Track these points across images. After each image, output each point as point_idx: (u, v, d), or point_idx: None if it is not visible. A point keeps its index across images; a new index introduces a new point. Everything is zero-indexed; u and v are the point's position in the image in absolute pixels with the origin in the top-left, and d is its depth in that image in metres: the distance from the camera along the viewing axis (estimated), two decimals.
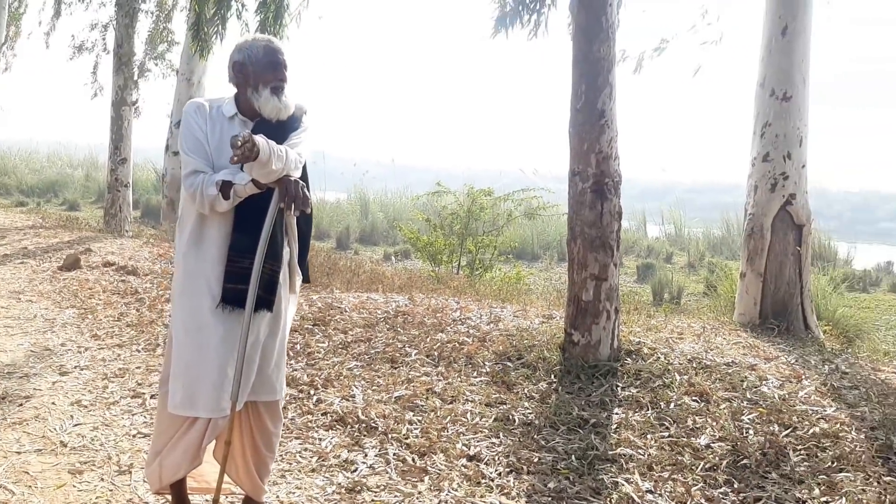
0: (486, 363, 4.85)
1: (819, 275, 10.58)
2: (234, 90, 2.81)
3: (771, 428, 3.86)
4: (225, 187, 2.61)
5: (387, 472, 3.52)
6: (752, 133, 6.64)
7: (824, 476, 3.42)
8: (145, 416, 4.05)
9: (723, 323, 6.38)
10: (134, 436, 3.80)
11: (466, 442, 3.83)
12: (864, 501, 3.22)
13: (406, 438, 3.85)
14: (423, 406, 4.24)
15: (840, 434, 3.79)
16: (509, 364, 4.83)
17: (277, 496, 3.22)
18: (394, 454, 3.69)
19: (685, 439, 3.80)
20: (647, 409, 4.15)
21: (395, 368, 4.83)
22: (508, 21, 6.52)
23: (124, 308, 6.34)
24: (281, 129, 2.77)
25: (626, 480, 3.43)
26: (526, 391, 4.45)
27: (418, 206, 13.85)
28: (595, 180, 4.83)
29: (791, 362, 4.96)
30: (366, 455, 3.69)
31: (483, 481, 3.45)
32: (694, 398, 4.26)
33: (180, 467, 2.73)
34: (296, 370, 4.74)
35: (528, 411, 4.18)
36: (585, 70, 4.78)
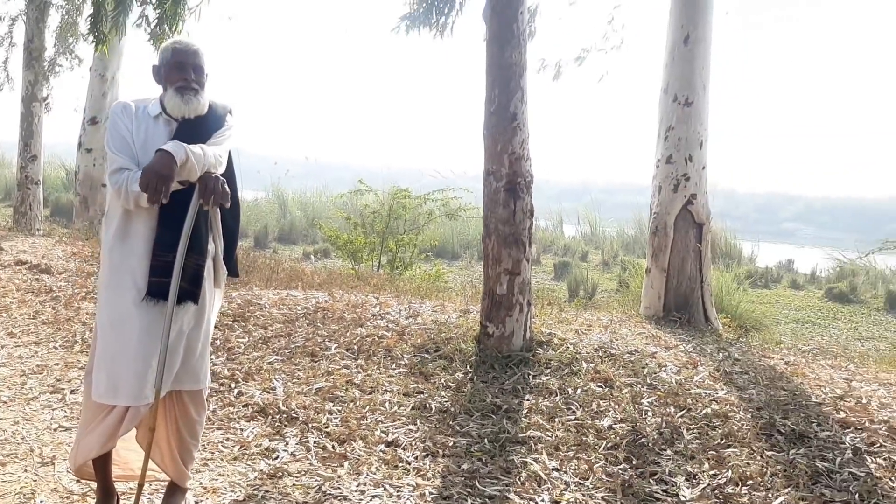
0: (405, 355, 5.02)
1: (724, 272, 11.18)
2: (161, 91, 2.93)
3: (667, 410, 4.17)
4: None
5: (307, 459, 3.66)
6: (656, 136, 7.01)
7: (713, 452, 3.73)
8: (66, 411, 4.07)
9: (630, 316, 6.73)
10: (55, 429, 3.82)
11: (385, 429, 3.99)
12: (748, 473, 3.53)
13: (326, 427, 3.99)
14: (342, 397, 4.38)
15: (729, 414, 4.12)
16: (427, 356, 5.02)
17: (200, 483, 3.32)
18: (314, 442, 3.83)
19: (590, 422, 4.06)
20: (556, 395, 4.41)
21: (315, 362, 4.95)
22: (416, 22, 6.74)
23: (39, 306, 6.25)
24: (203, 128, 2.89)
25: (535, 460, 3.66)
26: (443, 381, 4.64)
27: (339, 204, 13.90)
28: (508, 180, 5.06)
29: (689, 350, 5.32)
30: (287, 443, 3.82)
31: (400, 465, 3.62)
32: (599, 384, 4.53)
33: (92, 449, 2.81)
34: (216, 365, 4.81)
35: (445, 399, 4.37)
36: (498, 75, 5.01)
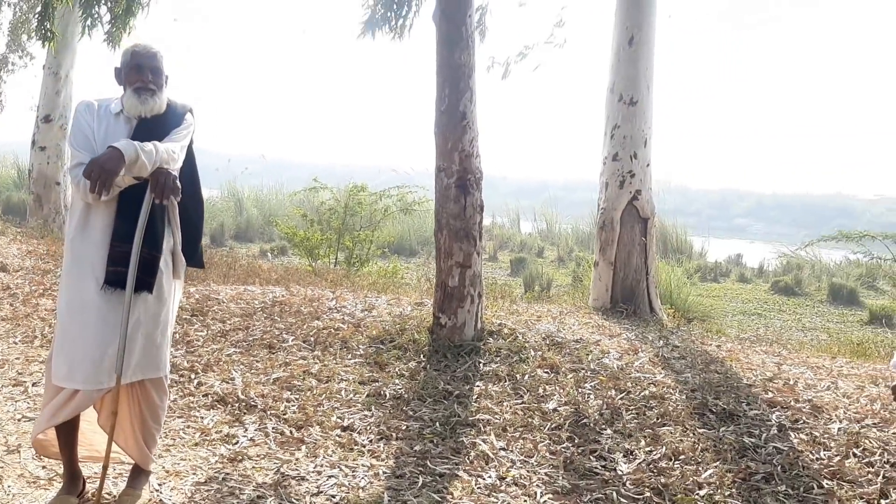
0: (361, 346, 5.20)
1: (675, 266, 11.54)
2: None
3: (609, 393, 4.42)
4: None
5: (266, 444, 3.83)
6: (603, 134, 7.29)
7: (650, 430, 3.99)
8: (28, 403, 4.17)
9: (579, 307, 7.00)
10: (19, 420, 3.93)
11: (341, 415, 4.17)
12: (681, 449, 3.79)
13: (284, 414, 4.16)
14: (299, 386, 4.55)
15: (665, 396, 4.39)
16: (382, 346, 5.20)
17: (163, 467, 3.47)
18: (273, 428, 3.99)
19: (536, 405, 4.29)
20: (505, 381, 4.63)
21: (273, 353, 5.11)
22: (376, 24, 6.91)
23: None
24: (162, 127, 3.06)
25: (483, 441, 3.88)
26: (397, 370, 4.84)
27: (295, 202, 13.97)
28: (459, 176, 5.27)
29: (631, 338, 5.59)
30: (246, 430, 3.98)
31: (356, 447, 3.81)
32: (545, 370, 4.77)
33: (41, 425, 3.00)
34: (175, 357, 4.93)
35: (399, 387, 4.57)
36: (448, 75, 5.21)
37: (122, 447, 3.14)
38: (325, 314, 5.90)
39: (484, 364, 4.90)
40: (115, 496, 3.12)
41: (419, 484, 3.44)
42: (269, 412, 4.18)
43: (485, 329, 5.39)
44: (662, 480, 3.51)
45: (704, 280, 13.30)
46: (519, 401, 4.37)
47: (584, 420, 4.10)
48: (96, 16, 8.54)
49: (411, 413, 4.24)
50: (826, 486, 3.48)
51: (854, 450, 3.78)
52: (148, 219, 2.92)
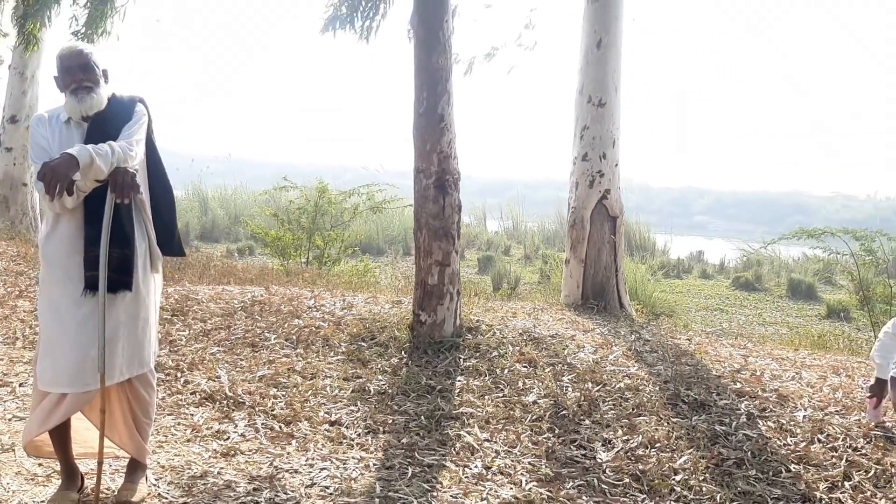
0: (342, 344, 5.31)
1: (639, 263, 11.81)
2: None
3: (586, 385, 4.59)
4: (69, 185, 2.88)
5: (257, 439, 3.93)
6: (573, 135, 7.47)
7: (626, 420, 4.17)
8: (17, 402, 4.21)
9: (551, 304, 7.18)
10: (10, 419, 3.97)
11: (328, 411, 4.29)
12: (657, 437, 3.98)
13: (272, 410, 4.26)
14: (285, 383, 4.65)
15: (640, 387, 4.57)
16: (363, 344, 5.32)
17: (158, 462, 3.55)
18: (262, 424, 4.10)
19: (516, 398, 4.45)
20: (485, 376, 4.78)
21: (256, 352, 5.19)
22: (339, 23, 7.02)
23: None
24: (113, 124, 3.07)
25: (468, 433, 4.02)
26: (379, 366, 4.96)
27: (261, 201, 13.93)
28: (437, 177, 5.41)
29: (605, 333, 5.78)
30: (236, 426, 4.07)
31: (345, 441, 3.93)
32: (524, 365, 4.93)
33: (31, 430, 3.05)
34: (160, 356, 4.98)
35: (382, 383, 4.69)
36: (426, 79, 5.34)
37: (116, 444, 3.20)
38: (305, 313, 5.99)
39: (464, 359, 5.05)
40: (114, 491, 3.20)
41: (409, 474, 3.57)
42: (257, 409, 4.28)
43: (463, 325, 5.54)
44: (640, 467, 3.69)
45: (668, 277, 13.59)
46: (500, 394, 4.52)
47: (564, 412, 4.27)
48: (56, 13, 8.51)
49: (396, 407, 4.36)
50: (793, 470, 3.69)
51: (818, 436, 4.00)
52: (114, 218, 2.95)
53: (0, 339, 5.33)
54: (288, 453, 3.77)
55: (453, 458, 3.76)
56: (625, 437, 3.99)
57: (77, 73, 3.04)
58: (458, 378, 4.78)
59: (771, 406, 4.36)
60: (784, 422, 4.16)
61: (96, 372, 2.96)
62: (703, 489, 3.52)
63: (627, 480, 3.59)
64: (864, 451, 3.86)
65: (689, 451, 3.84)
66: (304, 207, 11.19)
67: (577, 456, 3.82)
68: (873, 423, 4.11)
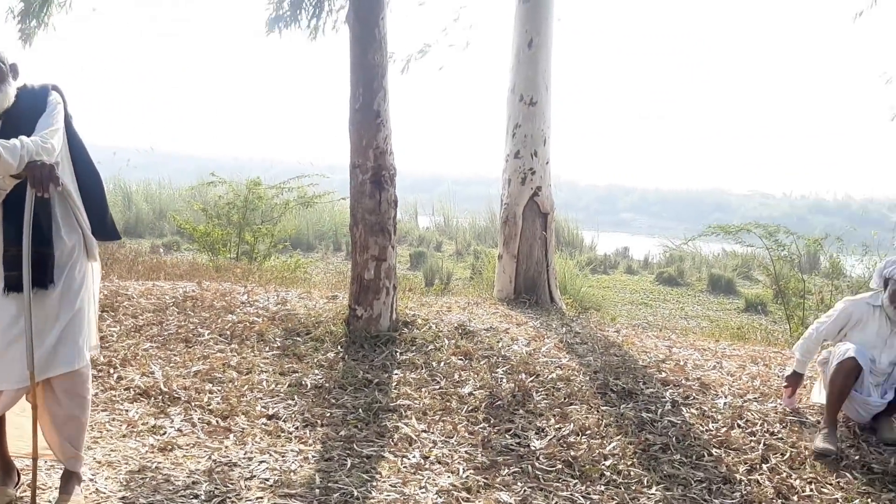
0: (277, 339, 5.32)
1: (568, 259, 12.08)
2: None
3: (519, 376, 4.72)
4: None
5: (194, 434, 3.92)
6: (505, 133, 7.61)
7: (558, 409, 4.32)
8: None
9: (484, 299, 7.31)
10: None
11: (265, 405, 4.30)
12: (587, 425, 4.13)
13: (208, 405, 4.25)
14: (221, 378, 4.64)
15: (571, 378, 4.73)
16: (298, 339, 5.34)
17: (94, 458, 3.52)
18: (199, 419, 4.09)
19: (452, 389, 4.55)
20: (422, 369, 4.86)
21: (190, 347, 5.15)
22: (283, 24, 7.00)
23: None
24: (26, 117, 2.97)
25: (405, 424, 4.10)
26: (315, 360, 4.99)
27: (188, 196, 13.67)
28: (373, 173, 5.45)
29: (537, 326, 5.94)
30: (172, 421, 4.05)
31: (283, 435, 3.96)
32: (459, 357, 5.04)
33: None
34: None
35: (319, 377, 4.72)
36: (361, 75, 5.39)
37: (48, 442, 3.14)
38: (239, 308, 5.96)
39: (401, 353, 5.12)
40: (51, 487, 3.16)
41: (348, 465, 3.62)
42: (193, 404, 4.26)
43: (399, 320, 5.61)
44: (572, 454, 3.83)
45: (595, 272, 13.92)
46: (436, 386, 4.61)
47: (499, 402, 4.39)
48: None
49: (333, 401, 4.41)
50: (715, 454, 3.89)
51: (738, 421, 4.23)
52: (33, 215, 2.89)
53: None
54: (226, 447, 3.78)
55: (392, 449, 3.83)
56: (557, 426, 4.13)
57: None
58: (395, 371, 4.85)
59: (694, 394, 4.57)
60: (706, 409, 4.38)
61: (26, 369, 2.91)
62: (632, 473, 3.69)
63: (560, 466, 3.73)
64: (780, 436, 4.10)
65: (617, 438, 4.01)
66: (233, 202, 11.05)
67: (511, 444, 3.94)
68: (789, 409, 4.37)
